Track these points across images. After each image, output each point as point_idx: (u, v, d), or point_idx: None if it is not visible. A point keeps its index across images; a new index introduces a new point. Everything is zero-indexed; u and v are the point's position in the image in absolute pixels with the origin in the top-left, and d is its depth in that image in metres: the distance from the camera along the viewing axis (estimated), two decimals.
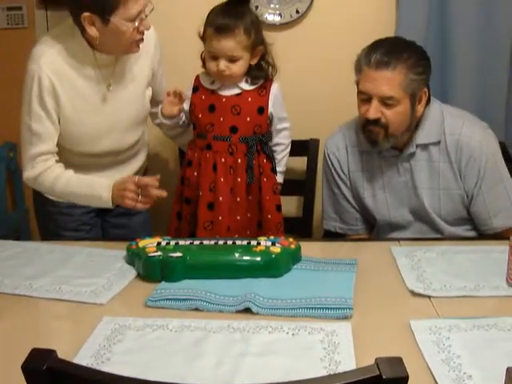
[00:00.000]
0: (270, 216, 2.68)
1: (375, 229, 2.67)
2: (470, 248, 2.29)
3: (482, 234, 2.57)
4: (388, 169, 2.57)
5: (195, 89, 2.65)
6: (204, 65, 2.64)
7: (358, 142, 2.62)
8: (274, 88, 2.65)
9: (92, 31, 2.33)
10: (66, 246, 2.38)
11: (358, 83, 2.46)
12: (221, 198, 2.59)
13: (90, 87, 2.48)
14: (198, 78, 2.67)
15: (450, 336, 1.68)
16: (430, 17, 3.10)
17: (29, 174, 2.49)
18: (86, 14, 2.29)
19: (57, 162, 2.50)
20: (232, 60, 2.52)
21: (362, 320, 1.79)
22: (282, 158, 2.77)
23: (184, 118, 2.71)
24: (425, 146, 2.51)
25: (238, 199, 2.62)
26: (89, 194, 2.46)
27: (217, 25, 2.49)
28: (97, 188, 2.46)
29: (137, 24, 2.34)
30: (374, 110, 2.39)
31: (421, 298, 1.91)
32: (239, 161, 2.59)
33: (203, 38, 2.57)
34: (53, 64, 2.40)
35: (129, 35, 2.35)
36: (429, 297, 1.91)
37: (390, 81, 2.35)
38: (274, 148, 2.74)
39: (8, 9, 4.52)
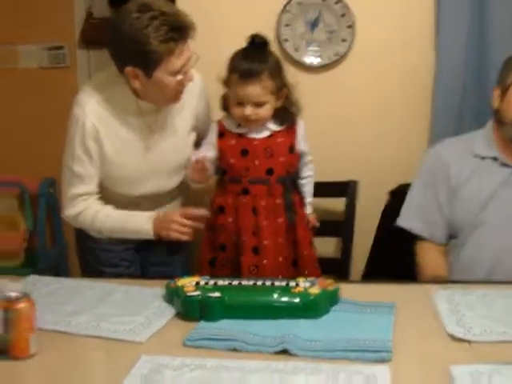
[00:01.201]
0: (305, 252, 2.68)
1: (460, 234, 2.67)
2: (509, 292, 2.26)
3: None
4: (498, 177, 2.61)
5: (221, 134, 2.63)
6: (224, 108, 2.64)
7: (476, 149, 2.67)
8: (300, 125, 2.66)
9: (135, 84, 2.39)
10: (104, 283, 2.39)
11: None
12: (265, 242, 2.58)
13: (133, 135, 2.53)
14: (220, 122, 2.65)
15: (491, 382, 1.65)
16: (467, 62, 3.11)
17: (69, 212, 2.55)
18: (130, 68, 2.34)
19: (97, 199, 2.54)
20: (258, 105, 2.51)
21: (401, 364, 1.77)
22: (310, 189, 2.77)
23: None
24: None
25: (280, 240, 2.62)
26: (129, 226, 2.54)
27: (242, 70, 2.49)
28: (137, 220, 2.53)
29: (180, 77, 2.38)
30: None
31: (461, 343, 1.89)
32: (278, 201, 2.59)
33: (226, 83, 2.57)
34: (97, 111, 2.46)
35: (172, 88, 2.40)
36: (469, 342, 1.89)
37: None
38: (303, 181, 2.74)
39: (49, 48, 4.60)
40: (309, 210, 2.76)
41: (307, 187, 2.75)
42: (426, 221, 2.71)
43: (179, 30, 2.32)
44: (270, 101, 2.54)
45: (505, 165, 2.61)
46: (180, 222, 2.48)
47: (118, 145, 2.51)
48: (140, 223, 2.55)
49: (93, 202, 2.54)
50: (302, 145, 2.66)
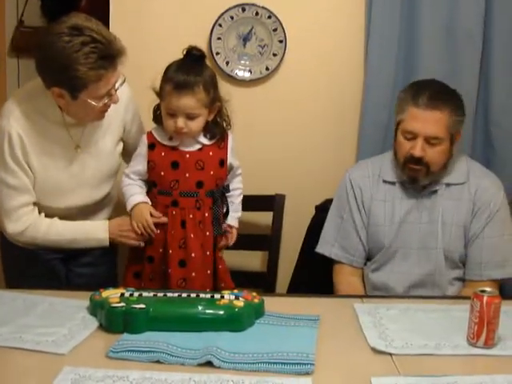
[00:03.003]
0: (220, 266, 2.68)
1: (376, 259, 2.71)
2: (431, 306, 2.31)
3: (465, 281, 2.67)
4: (408, 202, 2.67)
5: (151, 146, 2.60)
6: (155, 119, 2.64)
7: (383, 174, 2.73)
8: (230, 139, 2.66)
9: (60, 102, 2.40)
10: (28, 294, 2.35)
11: (399, 122, 2.60)
12: (193, 255, 2.57)
13: (58, 147, 2.52)
14: (151, 134, 2.62)
15: None
16: (396, 79, 3.17)
17: (14, 227, 2.53)
18: (56, 88, 2.33)
19: (37, 212, 2.54)
20: (190, 117, 2.50)
21: (323, 376, 1.79)
22: (239, 203, 2.77)
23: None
24: (448, 185, 2.65)
25: (208, 253, 2.62)
26: (86, 237, 2.57)
27: (176, 82, 2.47)
28: (93, 230, 2.58)
29: (105, 101, 2.39)
30: (419, 148, 2.54)
31: (382, 356, 1.92)
32: (206, 215, 2.59)
33: (160, 94, 2.55)
34: (22, 121, 2.44)
35: (96, 109, 2.41)
36: (390, 354, 1.92)
37: (437, 121, 2.53)
38: (231, 193, 2.73)
39: None
40: (234, 223, 2.74)
41: (236, 200, 2.75)
42: (343, 247, 2.76)
43: (109, 58, 2.31)
44: (203, 114, 2.53)
45: (413, 188, 2.68)
46: (136, 230, 2.54)
47: (42, 156, 2.49)
48: (96, 233, 2.58)
49: (38, 216, 2.54)
50: (231, 158, 2.67)
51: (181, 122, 2.48)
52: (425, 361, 1.90)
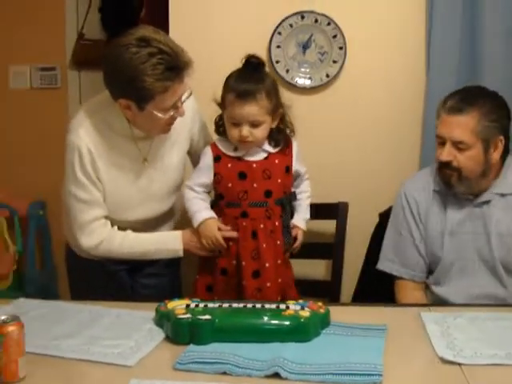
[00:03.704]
0: (289, 274, 2.68)
1: (435, 273, 2.67)
2: (500, 315, 2.26)
3: None
4: (461, 212, 2.62)
5: (217, 158, 2.60)
6: (218, 131, 2.64)
7: (434, 185, 2.68)
8: (295, 146, 2.66)
9: (127, 114, 2.42)
10: (94, 306, 2.37)
11: (436, 128, 2.57)
12: (267, 265, 2.56)
13: (126, 160, 2.54)
14: (215, 146, 2.62)
15: None
16: (459, 67, 3.13)
17: (88, 241, 2.55)
18: (123, 99, 2.35)
19: (110, 225, 2.57)
20: (255, 125, 2.50)
21: None
22: (307, 206, 2.76)
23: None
24: (503, 195, 2.58)
25: (279, 262, 2.61)
26: (159, 248, 2.60)
27: (238, 91, 2.47)
28: (167, 241, 2.61)
29: (171, 113, 2.40)
30: (445, 153, 2.52)
31: (451, 366, 1.88)
32: (276, 224, 2.59)
33: (222, 104, 2.55)
34: (91, 134, 2.47)
35: (162, 122, 2.42)
36: (459, 364, 1.88)
37: (461, 125, 2.49)
38: (300, 196, 2.73)
39: (42, 69, 4.61)
40: (302, 225, 2.73)
41: (304, 202, 2.74)
42: (404, 263, 2.72)
43: (176, 69, 2.33)
44: (267, 121, 2.53)
45: (465, 199, 2.62)
46: (212, 238, 2.55)
47: (111, 170, 2.52)
48: (170, 244, 2.60)
49: (110, 228, 2.57)
50: (297, 165, 2.66)
51: (245, 130, 2.49)
52: (495, 370, 1.86)
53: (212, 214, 2.59)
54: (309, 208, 2.76)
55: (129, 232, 2.59)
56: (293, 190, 2.71)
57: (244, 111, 2.48)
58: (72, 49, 4.56)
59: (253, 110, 2.48)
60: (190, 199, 2.61)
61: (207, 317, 2.04)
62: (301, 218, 2.72)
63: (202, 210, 2.59)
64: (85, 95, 4.45)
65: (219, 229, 2.55)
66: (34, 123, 4.60)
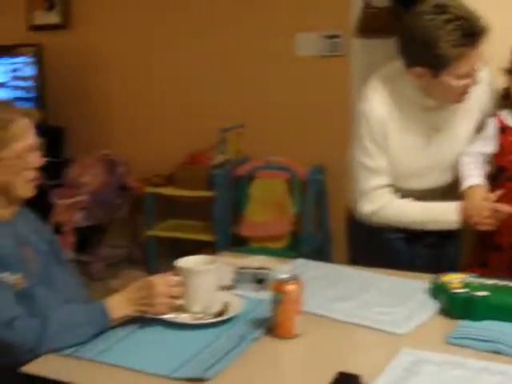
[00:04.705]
0: None
1: None
2: None
3: None
4: None
5: (501, 130, 2.50)
6: (505, 103, 2.52)
7: None
8: None
9: (421, 83, 2.41)
10: (369, 272, 2.40)
11: None
12: None
13: (416, 130, 2.52)
14: (500, 118, 2.51)
15: None
16: None
17: (369, 207, 2.58)
18: (417, 67, 2.35)
19: (392, 192, 2.58)
20: None
21: None
22: None
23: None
24: None
25: None
26: (436, 218, 2.54)
27: None
28: (444, 212, 2.52)
29: (466, 81, 2.35)
30: None
31: None
32: None
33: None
34: (383, 104, 2.49)
35: (456, 90, 2.38)
36: None
37: None
38: None
39: (326, 37, 4.69)
40: None
41: None
42: None
43: (472, 36, 2.28)
44: None
45: None
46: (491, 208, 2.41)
47: (401, 139, 2.52)
48: (447, 215, 2.53)
49: (391, 196, 2.58)
50: None
51: None
52: None
53: (483, 182, 2.50)
54: None
55: (408, 200, 2.57)
56: None
57: None
58: (357, 16, 4.59)
59: None
60: (467, 163, 2.54)
61: (484, 293, 1.99)
62: None
63: (473, 176, 2.50)
64: (368, 63, 4.46)
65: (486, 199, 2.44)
66: (317, 91, 4.71)
